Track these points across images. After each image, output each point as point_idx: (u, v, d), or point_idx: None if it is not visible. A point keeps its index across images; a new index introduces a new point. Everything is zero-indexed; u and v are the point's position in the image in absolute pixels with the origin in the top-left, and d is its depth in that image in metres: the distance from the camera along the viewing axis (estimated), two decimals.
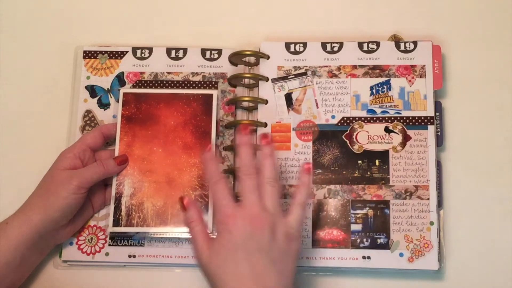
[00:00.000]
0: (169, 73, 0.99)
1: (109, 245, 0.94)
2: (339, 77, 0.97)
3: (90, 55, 1.00)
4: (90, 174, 0.89)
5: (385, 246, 0.91)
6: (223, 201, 0.81)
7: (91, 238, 0.94)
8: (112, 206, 0.92)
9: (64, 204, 0.88)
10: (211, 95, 0.95)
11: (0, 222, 0.88)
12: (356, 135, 0.95)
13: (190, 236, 0.82)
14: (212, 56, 0.99)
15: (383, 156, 0.94)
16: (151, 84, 0.98)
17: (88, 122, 0.98)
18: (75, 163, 0.90)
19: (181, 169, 0.93)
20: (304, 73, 0.97)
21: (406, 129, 0.94)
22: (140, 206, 0.92)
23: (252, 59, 0.99)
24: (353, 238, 0.91)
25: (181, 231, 0.92)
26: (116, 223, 0.92)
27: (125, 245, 0.93)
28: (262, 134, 0.85)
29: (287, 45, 0.98)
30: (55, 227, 0.89)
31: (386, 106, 0.95)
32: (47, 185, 0.89)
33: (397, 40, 0.98)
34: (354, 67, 0.97)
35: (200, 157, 0.85)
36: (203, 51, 0.99)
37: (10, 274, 0.87)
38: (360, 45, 0.98)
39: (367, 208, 0.92)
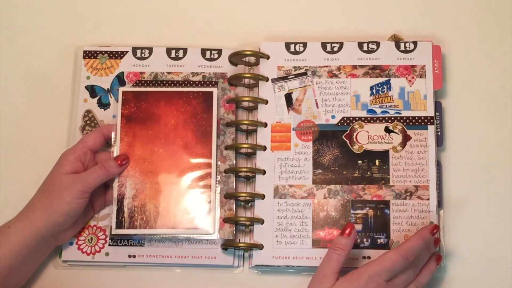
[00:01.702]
0: (169, 73, 0.99)
1: (109, 245, 0.94)
2: (339, 77, 0.97)
3: (90, 55, 1.00)
4: (92, 178, 0.89)
5: (385, 246, 0.91)
6: (387, 272, 0.82)
7: (91, 238, 0.94)
8: (114, 208, 0.92)
9: (68, 209, 0.88)
10: (211, 93, 0.95)
11: (2, 226, 0.88)
12: (356, 135, 0.95)
13: (328, 255, 0.85)
14: (212, 56, 0.99)
15: (383, 156, 0.94)
16: (151, 84, 0.98)
17: (88, 122, 0.98)
18: (76, 167, 0.90)
19: (183, 169, 0.93)
20: (304, 73, 0.97)
21: (406, 129, 0.94)
22: (143, 207, 0.92)
23: (252, 59, 0.99)
24: None
25: (183, 232, 0.91)
26: (119, 225, 0.92)
27: (125, 245, 0.93)
28: (439, 256, 0.89)
29: (287, 45, 0.98)
30: (57, 231, 0.89)
31: (386, 106, 0.95)
32: (50, 189, 0.89)
33: (397, 40, 0.98)
34: (354, 67, 0.97)
35: (424, 231, 0.86)
36: (203, 51, 0.99)
37: (12, 276, 0.87)
38: (360, 45, 0.98)
39: (367, 208, 0.92)
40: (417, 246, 0.84)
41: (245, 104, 0.97)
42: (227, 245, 0.92)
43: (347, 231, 0.85)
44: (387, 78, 0.96)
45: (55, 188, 0.88)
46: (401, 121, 0.94)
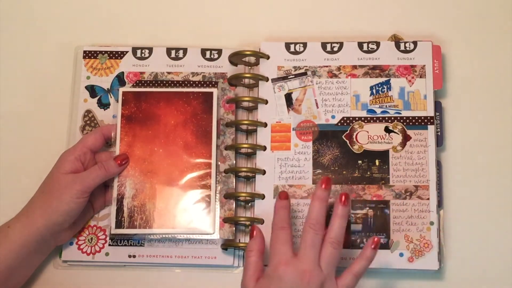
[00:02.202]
0: (169, 73, 0.99)
1: (109, 245, 0.94)
2: (339, 77, 0.97)
3: (90, 55, 1.00)
4: (92, 178, 0.89)
5: (385, 246, 0.91)
6: (282, 248, 0.83)
7: (91, 238, 0.94)
8: (114, 208, 0.92)
9: (67, 209, 0.88)
10: (211, 93, 0.95)
11: (2, 225, 0.88)
12: (356, 135, 0.95)
13: (245, 262, 0.85)
14: (212, 56, 0.99)
15: (383, 156, 0.94)
16: (151, 84, 0.98)
17: (88, 122, 0.98)
18: (76, 166, 0.90)
19: (183, 169, 0.93)
20: (304, 73, 0.97)
21: (406, 129, 0.94)
22: (142, 207, 0.92)
23: (252, 59, 0.99)
24: (353, 238, 0.91)
25: (183, 232, 0.91)
26: (119, 225, 0.92)
27: (125, 245, 0.93)
28: (343, 194, 0.85)
29: (287, 45, 0.98)
30: (57, 231, 0.89)
31: (386, 106, 0.95)
32: (50, 189, 0.89)
33: (397, 40, 0.98)
34: (354, 67, 0.97)
35: (275, 203, 0.87)
36: (203, 51, 0.99)
37: (12, 276, 0.87)
38: (360, 45, 0.98)
39: (367, 208, 0.92)
40: (285, 215, 0.85)
41: (245, 104, 0.97)
42: (227, 245, 0.92)
43: (253, 234, 0.87)
44: (387, 78, 0.96)
45: (55, 188, 0.88)
46: (401, 121, 0.94)
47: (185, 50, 0.99)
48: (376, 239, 0.84)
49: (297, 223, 0.92)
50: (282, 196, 0.87)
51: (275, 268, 0.82)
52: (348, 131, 0.95)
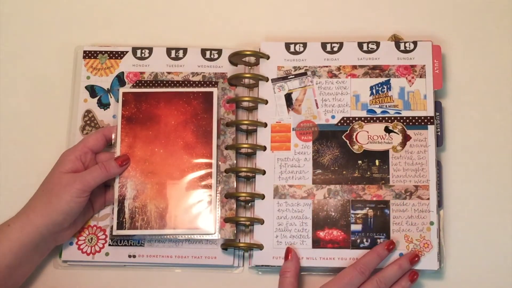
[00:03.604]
0: (169, 73, 0.99)
1: (109, 245, 0.94)
2: (339, 77, 0.97)
3: (90, 55, 1.00)
4: (92, 177, 0.89)
5: None
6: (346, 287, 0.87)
7: (91, 238, 0.94)
8: (115, 209, 0.92)
9: (67, 208, 0.88)
10: (211, 93, 0.95)
11: (2, 224, 0.88)
12: (356, 135, 0.95)
13: (280, 283, 0.89)
14: (212, 56, 0.99)
15: (383, 156, 0.94)
16: (151, 84, 0.98)
17: (88, 122, 0.98)
18: (76, 166, 0.90)
19: (183, 169, 0.93)
20: (304, 73, 0.97)
21: (406, 129, 0.94)
22: (144, 208, 0.92)
23: (252, 59, 0.99)
24: (353, 238, 0.92)
25: (184, 233, 0.92)
26: (120, 226, 0.92)
27: (125, 245, 0.93)
28: (414, 272, 0.89)
29: (287, 45, 0.98)
30: (57, 230, 0.89)
31: (386, 106, 0.95)
32: (50, 188, 0.89)
33: (397, 40, 0.98)
34: (354, 67, 0.97)
35: (378, 246, 0.90)
36: (203, 51, 0.99)
37: (11, 275, 0.87)
38: (360, 45, 0.98)
39: (367, 208, 0.92)
40: (372, 260, 0.88)
41: (245, 104, 0.97)
42: (227, 245, 0.92)
43: (289, 256, 0.90)
44: (387, 78, 0.96)
45: (55, 187, 0.88)
46: (401, 121, 0.94)
47: (185, 50, 0.99)
48: (416, 273, 0.89)
49: (297, 223, 0.92)
50: (390, 247, 0.90)
51: None
52: (348, 131, 0.95)
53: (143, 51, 1.00)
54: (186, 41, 1.01)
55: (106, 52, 1.00)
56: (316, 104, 0.96)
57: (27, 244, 0.87)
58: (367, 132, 0.95)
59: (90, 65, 1.00)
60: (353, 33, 1.00)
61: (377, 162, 0.94)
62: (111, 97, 0.99)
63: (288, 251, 0.90)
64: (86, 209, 0.93)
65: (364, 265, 0.87)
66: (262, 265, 0.92)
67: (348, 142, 0.95)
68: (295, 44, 0.98)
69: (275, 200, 0.93)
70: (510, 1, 1.01)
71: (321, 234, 0.92)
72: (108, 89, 0.99)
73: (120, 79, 0.99)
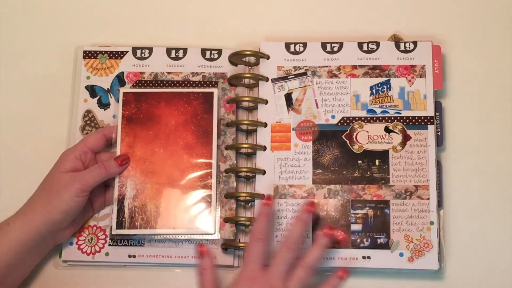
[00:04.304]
0: (169, 73, 0.99)
1: (109, 245, 0.94)
2: (339, 77, 0.97)
3: (90, 55, 1.00)
4: (92, 176, 0.89)
5: (385, 246, 0.91)
6: (254, 261, 0.85)
7: (91, 238, 0.94)
8: (115, 208, 0.92)
9: (66, 207, 0.88)
10: (211, 93, 0.95)
11: (2, 223, 0.88)
12: (356, 135, 0.95)
13: (199, 282, 0.88)
14: (212, 56, 0.99)
15: (383, 156, 0.94)
16: (151, 84, 0.98)
17: (88, 122, 0.98)
18: (76, 165, 0.90)
19: (183, 169, 0.93)
20: (304, 73, 0.97)
21: (406, 129, 0.94)
22: (143, 208, 0.92)
23: (252, 59, 0.99)
24: (353, 238, 0.92)
25: (184, 232, 0.92)
26: (120, 225, 0.92)
27: (125, 245, 0.93)
28: (330, 227, 0.88)
29: (287, 45, 0.98)
30: (56, 229, 0.89)
31: (386, 106, 0.95)
32: (49, 187, 0.89)
33: (397, 40, 0.98)
34: (354, 67, 0.97)
35: (260, 206, 0.89)
36: (203, 51, 0.99)
37: (10, 274, 0.87)
38: (360, 45, 0.98)
39: (367, 208, 0.92)
40: (262, 223, 0.87)
41: (245, 104, 0.97)
42: (227, 245, 0.92)
43: (202, 253, 0.88)
44: (387, 78, 0.96)
45: (54, 186, 0.88)
46: (401, 121, 0.94)
47: (185, 50, 0.99)
48: (346, 271, 0.87)
49: None
50: (269, 199, 0.89)
51: (243, 280, 0.85)
52: (348, 131, 0.95)
53: (143, 51, 1.00)
54: (186, 41, 1.01)
55: (106, 52, 1.00)
56: (316, 104, 0.96)
57: (26, 243, 0.87)
58: (367, 132, 0.95)
59: (90, 65, 1.00)
60: (353, 33, 1.00)
61: (377, 162, 0.94)
62: (111, 97, 0.99)
63: (200, 248, 0.89)
64: (86, 209, 0.93)
65: (257, 231, 0.87)
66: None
67: (348, 142, 0.95)
68: (295, 44, 0.98)
69: (275, 200, 0.93)
70: (510, 1, 1.01)
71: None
72: (108, 89, 0.99)
73: (120, 79, 0.99)
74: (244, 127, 0.96)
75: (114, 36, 1.03)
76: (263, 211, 0.89)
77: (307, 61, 0.98)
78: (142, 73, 0.99)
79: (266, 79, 0.97)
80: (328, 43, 0.98)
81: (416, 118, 0.94)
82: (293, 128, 0.96)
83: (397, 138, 0.94)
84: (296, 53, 0.98)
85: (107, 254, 0.93)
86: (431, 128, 0.94)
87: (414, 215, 0.92)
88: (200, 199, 0.92)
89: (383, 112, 0.95)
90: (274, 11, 1.03)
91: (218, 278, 0.88)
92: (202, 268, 0.88)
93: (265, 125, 0.96)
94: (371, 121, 0.95)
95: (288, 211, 0.93)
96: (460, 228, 0.94)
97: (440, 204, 0.93)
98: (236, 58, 0.98)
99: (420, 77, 0.96)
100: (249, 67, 0.99)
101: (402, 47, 0.97)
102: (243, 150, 0.95)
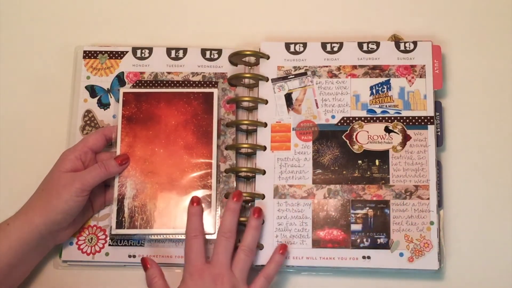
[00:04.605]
0: (169, 73, 0.99)
1: (109, 245, 0.94)
2: (339, 77, 0.97)
3: (90, 55, 1.00)
4: (92, 176, 0.89)
5: (385, 246, 0.91)
6: (194, 258, 0.87)
7: (91, 238, 0.94)
8: (114, 208, 0.92)
9: (66, 207, 0.88)
10: (211, 93, 0.95)
11: (1, 223, 0.88)
12: (356, 135, 0.95)
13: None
14: (212, 56, 0.99)
15: (383, 156, 0.94)
16: (151, 84, 0.98)
17: (88, 122, 0.98)
18: (76, 165, 0.90)
19: (183, 169, 0.93)
20: (304, 73, 0.97)
21: (406, 129, 0.94)
22: (143, 207, 0.92)
23: (252, 59, 0.99)
24: (353, 238, 0.92)
25: (184, 232, 0.91)
26: (119, 225, 0.92)
27: (125, 245, 0.93)
28: (255, 208, 0.91)
29: (287, 45, 0.98)
30: (56, 229, 0.89)
31: (386, 106, 0.95)
32: (49, 187, 0.89)
33: (397, 40, 0.98)
34: (354, 67, 0.97)
35: (188, 208, 0.90)
36: (203, 51, 0.99)
37: (10, 274, 0.87)
38: (360, 45, 0.98)
39: (367, 208, 0.92)
40: (197, 221, 0.89)
41: (245, 104, 0.97)
42: None
43: (147, 265, 0.89)
44: (387, 78, 0.96)
45: (54, 186, 0.88)
46: (401, 121, 0.94)
47: (185, 50, 0.99)
48: (284, 245, 0.90)
49: (297, 223, 0.92)
50: (194, 201, 0.90)
51: (191, 274, 0.86)
52: (348, 131, 0.95)
53: (143, 51, 1.00)
54: (186, 41, 1.01)
55: (106, 52, 1.00)
56: (316, 104, 0.96)
57: (26, 243, 0.87)
58: (367, 132, 0.95)
59: (90, 65, 1.00)
60: (353, 33, 1.00)
61: (377, 162, 0.94)
62: (111, 97, 0.99)
63: (144, 261, 0.89)
64: (86, 209, 0.93)
65: (194, 230, 0.88)
66: (262, 265, 0.92)
67: (348, 142, 0.95)
68: (295, 44, 0.98)
69: (275, 200, 0.93)
70: (510, 1, 1.01)
71: (321, 234, 0.92)
72: (108, 89, 0.99)
73: (120, 79, 0.99)
74: (244, 127, 0.96)
75: (114, 36, 1.03)
76: (192, 212, 0.90)
77: (307, 61, 0.98)
78: (142, 73, 0.99)
79: (266, 79, 0.97)
80: (328, 43, 0.98)
81: (416, 118, 0.94)
82: (293, 128, 0.96)
83: (397, 138, 0.94)
84: (296, 53, 0.98)
85: (107, 254, 0.93)
86: (431, 128, 0.94)
87: (414, 215, 0.92)
88: (200, 199, 0.92)
89: (383, 112, 0.95)
90: (274, 11, 1.03)
91: (166, 282, 0.88)
92: (151, 278, 0.88)
93: (265, 125, 0.96)
94: (371, 121, 0.95)
95: (288, 211, 0.93)
96: (460, 228, 0.94)
97: (440, 204, 0.93)
98: (236, 58, 0.98)
99: (420, 77, 0.96)
100: (249, 67, 0.99)
101: (402, 47, 0.97)
102: (243, 150, 0.95)
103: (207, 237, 0.92)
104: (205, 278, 0.86)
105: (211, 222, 0.92)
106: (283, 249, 0.90)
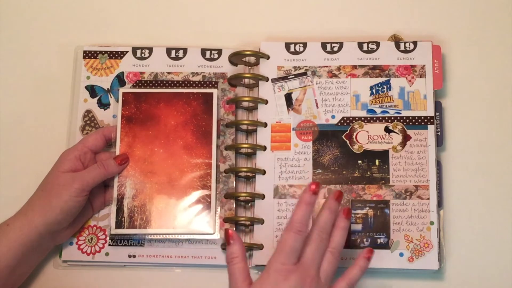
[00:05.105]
0: (169, 73, 0.99)
1: (109, 245, 0.94)
2: (339, 77, 0.97)
3: (90, 55, 1.00)
4: (91, 176, 0.89)
5: (385, 246, 0.91)
6: (288, 255, 0.79)
7: (91, 238, 0.94)
8: (114, 208, 0.92)
9: (66, 207, 0.88)
10: (211, 94, 0.95)
11: (1, 224, 0.88)
12: (356, 135, 0.95)
13: (229, 272, 0.81)
14: (212, 56, 0.99)
15: (383, 156, 0.94)
16: (151, 84, 0.98)
17: (88, 122, 0.98)
18: (76, 165, 0.90)
19: (183, 169, 0.93)
20: (304, 73, 0.97)
21: (406, 129, 0.94)
22: (143, 207, 0.92)
23: (252, 59, 0.99)
24: (353, 238, 0.91)
25: (183, 232, 0.92)
26: (119, 225, 0.92)
27: (125, 245, 0.93)
28: (345, 209, 0.84)
29: (287, 45, 0.98)
30: (56, 229, 0.89)
31: (386, 106, 0.95)
32: (49, 187, 0.89)
33: (397, 40, 0.98)
34: (354, 67, 0.97)
35: (303, 194, 0.81)
36: (203, 51, 0.99)
37: (10, 275, 0.87)
38: (360, 45, 0.98)
39: (367, 208, 0.92)
40: (303, 213, 0.80)
41: (245, 104, 0.97)
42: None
43: (230, 240, 0.81)
44: (387, 78, 0.96)
45: (54, 186, 0.88)
46: (401, 121, 0.94)
47: (185, 50, 0.99)
48: (371, 250, 0.84)
49: None
50: (313, 188, 0.81)
51: (278, 272, 0.79)
52: (348, 131, 0.95)
53: (143, 51, 1.00)
54: (186, 41, 1.01)
55: (106, 52, 1.00)
56: (316, 104, 0.96)
57: (26, 243, 0.87)
58: (367, 132, 0.95)
59: (90, 65, 1.00)
60: (353, 33, 1.00)
61: (377, 162, 0.94)
62: (111, 97, 0.99)
63: (228, 234, 0.81)
64: (86, 209, 0.93)
65: (298, 223, 0.80)
66: (262, 265, 0.92)
67: (348, 142, 0.95)
68: (295, 44, 0.98)
69: (275, 200, 0.93)
70: (510, 1, 1.01)
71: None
72: (108, 89, 0.99)
73: (120, 79, 0.99)
74: (244, 127, 0.96)
75: (114, 36, 1.03)
76: (305, 199, 0.81)
77: (307, 61, 0.98)
78: (142, 73, 0.99)
79: (266, 79, 0.97)
80: (328, 43, 0.98)
81: (416, 118, 0.94)
82: (293, 128, 0.96)
83: (397, 138, 0.94)
84: (296, 53, 0.98)
85: (107, 254, 0.93)
86: (431, 128, 0.94)
87: (414, 215, 0.92)
88: (200, 199, 0.92)
89: (383, 112, 0.95)
90: (274, 11, 1.03)
91: (247, 266, 0.81)
92: (232, 256, 0.80)
93: (265, 125, 0.96)
94: (371, 121, 0.95)
95: (288, 211, 0.93)
96: (460, 228, 0.94)
97: (440, 204, 0.93)
98: (236, 58, 0.98)
99: (420, 77, 0.96)
100: (249, 67, 0.99)
101: (402, 47, 0.97)
102: (243, 150, 0.95)
103: (207, 237, 0.92)
104: (294, 277, 0.79)
105: (210, 222, 0.92)
106: (369, 253, 0.83)
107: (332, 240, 0.83)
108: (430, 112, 0.95)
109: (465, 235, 0.93)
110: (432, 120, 0.94)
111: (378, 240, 0.91)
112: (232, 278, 0.80)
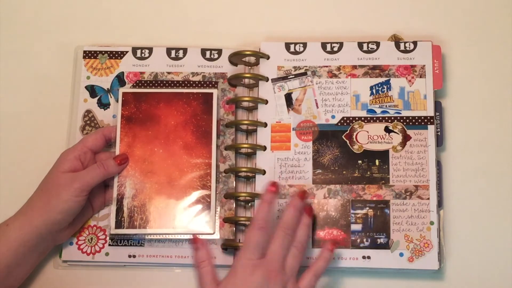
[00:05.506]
0: (169, 73, 0.99)
1: (109, 245, 0.94)
2: (339, 77, 0.97)
3: (90, 55, 1.00)
4: (91, 176, 0.89)
5: (385, 246, 0.91)
6: (253, 250, 0.83)
7: (91, 238, 0.94)
8: (114, 208, 0.92)
9: (66, 207, 0.88)
10: (211, 94, 0.95)
11: (1, 224, 0.88)
12: (356, 135, 0.95)
13: (198, 275, 0.85)
14: (212, 56, 0.99)
15: (383, 156, 0.94)
16: (151, 84, 0.98)
17: (88, 122, 0.98)
18: (75, 165, 0.90)
19: (183, 169, 0.93)
20: (304, 73, 0.97)
21: (406, 129, 0.94)
22: (142, 207, 0.92)
23: (252, 59, 0.99)
24: (353, 238, 0.92)
25: (183, 232, 0.92)
26: (118, 225, 0.92)
27: (125, 245, 0.93)
28: (308, 207, 0.89)
29: (287, 45, 0.98)
30: (56, 229, 0.89)
31: (386, 106, 0.95)
32: (48, 187, 0.89)
33: (397, 40, 0.98)
34: (354, 67, 0.97)
35: (264, 193, 0.87)
36: (203, 51, 0.99)
37: (10, 275, 0.87)
38: (360, 45, 0.98)
39: (367, 208, 0.92)
40: (264, 211, 0.85)
41: (245, 104, 0.97)
42: (227, 245, 0.92)
43: (197, 246, 0.86)
44: (387, 78, 0.96)
45: (54, 186, 0.88)
46: (401, 121, 0.94)
47: (185, 50, 1.00)
48: (334, 243, 0.88)
49: None
50: (271, 188, 0.87)
51: (244, 268, 0.83)
52: (348, 131, 0.95)
53: (143, 51, 1.00)
54: (186, 41, 1.01)
55: (106, 52, 1.00)
56: (316, 104, 0.96)
57: (26, 243, 0.87)
58: (367, 132, 0.95)
59: (90, 65, 1.00)
60: (353, 33, 1.00)
61: (377, 162, 0.94)
62: (111, 97, 0.99)
63: (195, 240, 0.86)
64: (85, 209, 0.93)
65: (260, 220, 0.84)
66: None
67: (348, 142, 0.95)
68: (295, 44, 0.98)
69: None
70: (510, 1, 1.01)
71: (321, 234, 0.92)
72: (108, 89, 0.99)
73: (120, 79, 0.99)
74: (244, 127, 0.96)
75: (114, 36, 1.03)
76: (266, 198, 0.86)
77: (307, 61, 0.98)
78: (142, 73, 0.99)
79: (266, 79, 0.97)
80: (328, 43, 0.98)
81: (416, 118, 0.94)
82: (293, 128, 0.96)
83: (397, 138, 0.94)
84: (296, 53, 0.98)
85: (107, 254, 0.93)
86: (431, 128, 0.94)
87: (414, 215, 0.92)
88: (200, 199, 0.92)
89: (383, 112, 0.95)
90: (274, 11, 1.03)
91: (215, 269, 0.85)
92: (199, 260, 0.85)
93: (265, 125, 0.96)
94: (371, 121, 0.95)
95: None
96: (460, 228, 0.94)
97: (440, 204, 0.93)
98: (236, 58, 0.98)
99: (420, 77, 0.96)
100: (249, 67, 0.99)
101: (402, 47, 0.97)
102: (243, 150, 0.95)
103: (206, 237, 0.92)
104: (259, 272, 0.82)
105: (210, 222, 0.92)
106: (332, 246, 0.88)
107: (296, 235, 0.87)
108: (430, 112, 0.95)
109: (465, 235, 0.93)
110: (432, 120, 0.94)
111: (378, 240, 0.91)
112: (201, 281, 0.85)
